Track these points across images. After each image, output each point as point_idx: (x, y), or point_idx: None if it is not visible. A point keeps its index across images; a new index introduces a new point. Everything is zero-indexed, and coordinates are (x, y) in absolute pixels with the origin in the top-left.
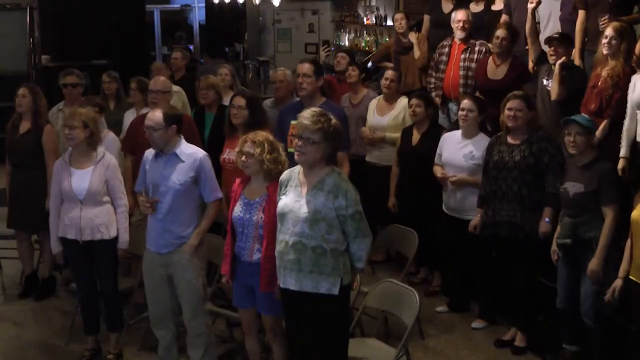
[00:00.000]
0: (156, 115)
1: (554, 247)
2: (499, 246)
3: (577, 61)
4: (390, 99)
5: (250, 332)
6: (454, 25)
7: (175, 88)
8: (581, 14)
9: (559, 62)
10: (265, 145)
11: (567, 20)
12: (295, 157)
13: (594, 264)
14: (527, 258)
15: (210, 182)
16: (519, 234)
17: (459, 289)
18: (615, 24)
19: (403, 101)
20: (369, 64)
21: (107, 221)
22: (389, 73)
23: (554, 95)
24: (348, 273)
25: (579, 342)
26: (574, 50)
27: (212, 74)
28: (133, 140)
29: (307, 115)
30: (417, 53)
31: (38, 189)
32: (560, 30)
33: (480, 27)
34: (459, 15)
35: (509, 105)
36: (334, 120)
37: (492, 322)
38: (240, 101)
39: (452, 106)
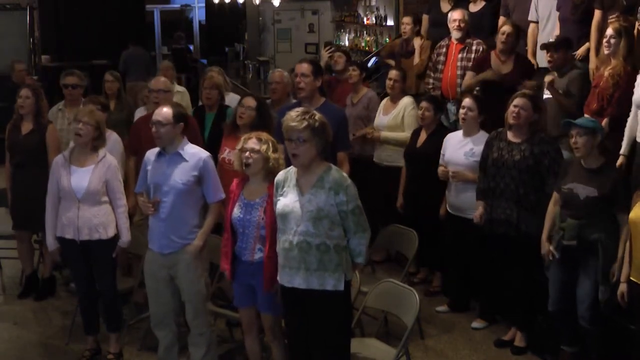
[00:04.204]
0: (165, 111)
1: (550, 248)
2: (496, 245)
3: (592, 61)
4: (395, 99)
5: (250, 332)
6: (450, 25)
7: (179, 88)
8: (597, 14)
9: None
10: (270, 143)
11: (568, 20)
12: (292, 160)
13: (616, 271)
14: (523, 257)
15: (214, 182)
16: (515, 233)
17: (460, 288)
18: (615, 23)
19: (404, 100)
20: (370, 63)
21: (105, 221)
22: (393, 73)
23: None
24: (350, 268)
25: (578, 342)
26: (582, 50)
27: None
28: (136, 141)
29: (291, 117)
30: (416, 59)
31: (41, 189)
32: (558, 31)
33: (480, 26)
34: (454, 15)
35: (515, 102)
36: (318, 115)
37: (492, 322)
38: (251, 102)
39: (451, 106)
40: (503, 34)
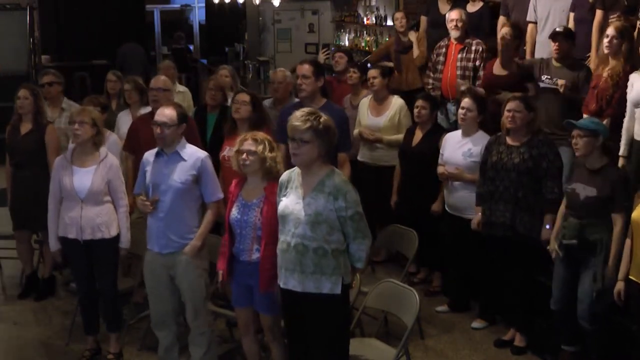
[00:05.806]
0: (170, 112)
1: (554, 246)
2: (496, 246)
3: (593, 61)
4: (380, 98)
5: (247, 332)
6: (448, 25)
7: (181, 88)
8: (599, 14)
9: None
10: (267, 143)
11: (585, 20)
12: (292, 159)
13: (609, 271)
14: (523, 259)
15: (212, 182)
16: (514, 235)
17: (460, 288)
18: (616, 23)
19: (398, 102)
20: (369, 65)
21: (107, 220)
22: (371, 72)
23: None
24: (348, 272)
25: (578, 342)
26: (592, 52)
27: None
28: (135, 141)
29: (296, 116)
30: (415, 52)
31: (41, 189)
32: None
33: (479, 26)
34: (452, 15)
35: (508, 106)
36: (323, 118)
37: (492, 322)
38: (244, 97)
39: (451, 107)
40: (502, 38)
